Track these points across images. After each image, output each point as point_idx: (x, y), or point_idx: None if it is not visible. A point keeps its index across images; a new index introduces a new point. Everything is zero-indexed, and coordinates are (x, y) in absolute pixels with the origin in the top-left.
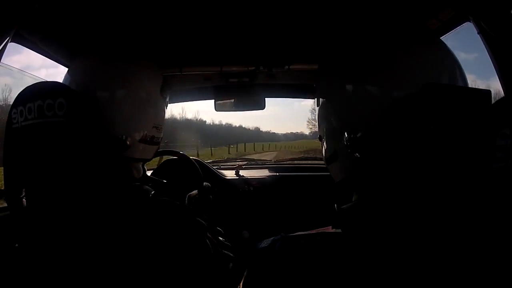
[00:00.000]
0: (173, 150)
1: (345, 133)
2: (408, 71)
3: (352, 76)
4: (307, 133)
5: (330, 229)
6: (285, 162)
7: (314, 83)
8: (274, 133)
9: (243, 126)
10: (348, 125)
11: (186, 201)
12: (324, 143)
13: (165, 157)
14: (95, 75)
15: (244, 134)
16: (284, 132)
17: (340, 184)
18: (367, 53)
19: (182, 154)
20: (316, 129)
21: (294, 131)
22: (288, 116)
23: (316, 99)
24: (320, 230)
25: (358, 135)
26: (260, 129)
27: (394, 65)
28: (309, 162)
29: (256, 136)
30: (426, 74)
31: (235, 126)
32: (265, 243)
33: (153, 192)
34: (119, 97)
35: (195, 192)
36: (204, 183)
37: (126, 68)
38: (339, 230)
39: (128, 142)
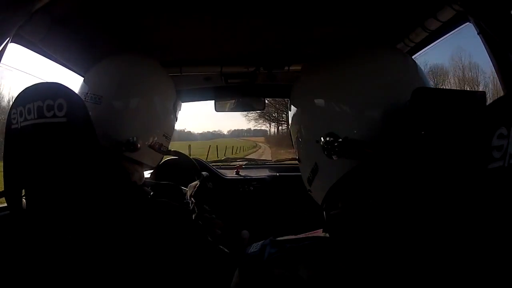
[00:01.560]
0: (174, 150)
1: (322, 138)
2: (376, 86)
3: (320, 89)
4: (226, 132)
5: (320, 232)
6: (285, 162)
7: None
8: (190, 131)
9: None
10: (322, 132)
11: (188, 192)
12: (303, 164)
13: (165, 157)
14: (116, 83)
15: None
16: (201, 131)
17: (325, 200)
18: (336, 65)
19: (183, 154)
20: (257, 124)
21: (211, 130)
22: (204, 115)
23: (289, 105)
24: (311, 233)
25: (339, 140)
26: (174, 128)
27: (359, 81)
28: None
29: (176, 136)
30: (396, 85)
31: None
32: (254, 247)
33: (152, 193)
34: (137, 104)
35: (196, 182)
36: (202, 173)
37: (149, 80)
38: (327, 235)
39: (138, 145)
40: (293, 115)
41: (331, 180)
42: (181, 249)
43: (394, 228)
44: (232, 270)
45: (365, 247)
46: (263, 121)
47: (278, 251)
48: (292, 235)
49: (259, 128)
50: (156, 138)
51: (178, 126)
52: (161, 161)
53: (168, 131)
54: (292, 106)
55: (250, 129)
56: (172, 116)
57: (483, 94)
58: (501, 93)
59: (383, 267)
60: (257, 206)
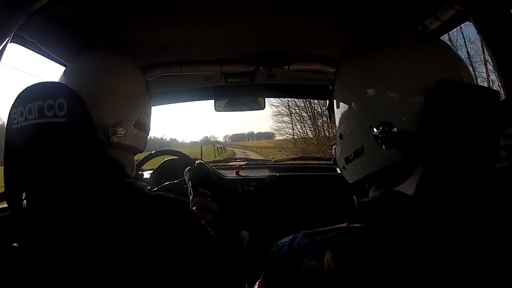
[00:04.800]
0: (174, 150)
1: (374, 128)
2: (421, 72)
3: (370, 78)
4: (221, 138)
5: (345, 226)
6: (285, 162)
7: (330, 85)
8: (175, 139)
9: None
10: (377, 119)
11: (186, 177)
12: (345, 142)
13: (166, 157)
14: (90, 79)
15: (148, 144)
16: (196, 140)
17: (359, 182)
18: (379, 56)
19: (183, 154)
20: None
21: (201, 137)
22: (197, 121)
23: (335, 101)
24: (335, 227)
25: (394, 129)
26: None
27: (405, 64)
28: (309, 162)
29: (159, 145)
30: (437, 72)
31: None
32: (284, 239)
33: (148, 187)
34: (113, 91)
35: (188, 168)
36: (196, 161)
37: (118, 75)
38: (358, 225)
39: (125, 125)
40: (342, 94)
41: (373, 167)
42: (180, 245)
43: (428, 221)
44: (226, 258)
45: (401, 236)
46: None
47: (308, 244)
48: (292, 235)
49: (263, 131)
50: (138, 117)
51: (166, 135)
52: (145, 147)
53: (146, 109)
54: (340, 84)
55: (252, 132)
56: (146, 96)
57: (497, 92)
58: None
59: (420, 257)
60: (257, 206)
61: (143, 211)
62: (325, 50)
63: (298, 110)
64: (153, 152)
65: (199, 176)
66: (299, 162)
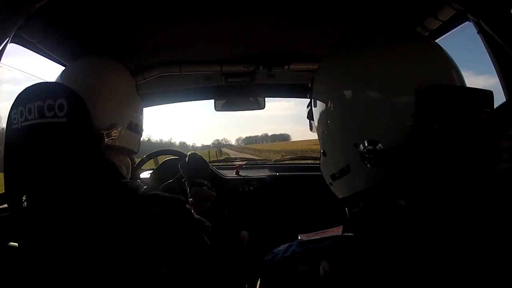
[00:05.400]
0: (174, 150)
1: (361, 145)
2: (407, 75)
3: (352, 83)
4: (233, 141)
5: (339, 230)
6: (285, 162)
7: (309, 91)
8: (185, 143)
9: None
10: (362, 137)
11: (181, 169)
12: (329, 159)
13: (166, 157)
14: (84, 83)
15: (154, 147)
16: (207, 143)
17: (348, 198)
18: (364, 59)
19: (183, 154)
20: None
21: (212, 141)
22: (208, 126)
23: (314, 111)
24: (329, 231)
25: (378, 146)
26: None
27: (391, 69)
28: (309, 162)
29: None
30: (425, 76)
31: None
32: (280, 247)
33: (144, 187)
34: (108, 95)
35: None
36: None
37: (110, 79)
38: (351, 234)
39: (119, 128)
40: (323, 108)
41: (361, 185)
42: (177, 245)
43: (422, 228)
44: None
45: (393, 245)
46: None
47: (302, 252)
48: (292, 235)
49: (278, 133)
50: (131, 119)
51: (175, 138)
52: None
53: (138, 111)
54: (319, 98)
55: (266, 134)
56: (137, 98)
57: (491, 93)
58: None
59: (408, 265)
60: (257, 206)
61: (140, 211)
62: (325, 50)
63: None
64: (152, 152)
65: (192, 166)
66: (299, 162)
